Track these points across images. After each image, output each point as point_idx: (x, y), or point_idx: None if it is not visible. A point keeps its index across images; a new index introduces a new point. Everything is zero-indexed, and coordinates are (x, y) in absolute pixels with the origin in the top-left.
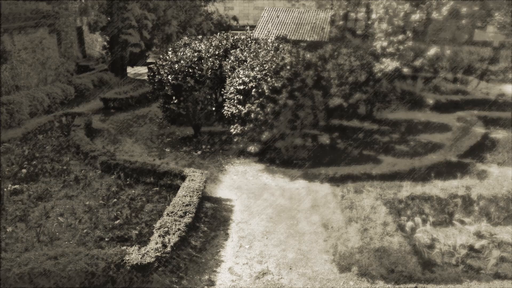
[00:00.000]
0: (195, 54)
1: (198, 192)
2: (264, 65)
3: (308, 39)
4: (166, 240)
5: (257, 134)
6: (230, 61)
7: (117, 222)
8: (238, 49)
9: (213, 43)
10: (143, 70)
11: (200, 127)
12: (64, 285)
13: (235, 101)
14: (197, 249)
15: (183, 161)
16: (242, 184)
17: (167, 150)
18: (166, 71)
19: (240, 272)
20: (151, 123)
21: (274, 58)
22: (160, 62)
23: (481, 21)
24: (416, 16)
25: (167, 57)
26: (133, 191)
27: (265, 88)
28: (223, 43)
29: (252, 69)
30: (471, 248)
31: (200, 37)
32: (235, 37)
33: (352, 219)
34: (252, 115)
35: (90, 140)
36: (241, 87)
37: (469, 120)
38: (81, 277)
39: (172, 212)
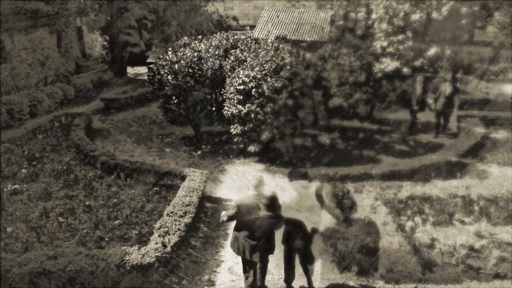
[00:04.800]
0: (195, 54)
1: (198, 192)
2: (264, 65)
3: (308, 39)
4: (166, 240)
5: (257, 134)
6: (230, 61)
7: (117, 222)
8: (238, 49)
9: (213, 43)
10: (143, 70)
11: (200, 127)
12: (64, 285)
13: (235, 101)
14: (197, 249)
15: (183, 161)
16: (242, 184)
17: (167, 150)
18: (166, 71)
19: (240, 272)
20: (151, 123)
21: (274, 58)
22: (160, 62)
23: (481, 21)
24: (416, 16)
25: (167, 57)
26: (133, 191)
27: (265, 88)
28: (223, 43)
29: (252, 69)
30: (471, 248)
31: (200, 37)
32: (235, 37)
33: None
34: (252, 115)
35: (90, 140)
36: (241, 87)
37: (469, 120)
38: (81, 277)
39: (172, 212)
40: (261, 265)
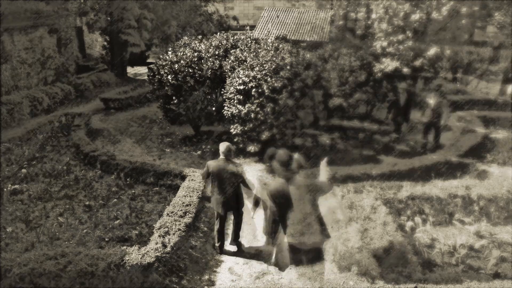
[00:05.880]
0: (195, 54)
1: (198, 192)
2: (264, 65)
3: (308, 39)
4: (166, 240)
5: (257, 134)
6: (230, 61)
7: (117, 222)
8: (238, 49)
9: (213, 43)
10: (143, 70)
11: (200, 127)
12: (64, 285)
13: (235, 101)
14: (197, 249)
15: (183, 161)
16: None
17: (167, 150)
18: (166, 71)
19: (240, 272)
20: (151, 123)
21: (274, 58)
22: (160, 62)
23: (481, 21)
24: (416, 16)
25: (167, 57)
26: (133, 191)
27: (265, 88)
28: (223, 43)
29: (252, 69)
30: (471, 248)
31: (200, 37)
32: (235, 37)
33: (352, 219)
34: (252, 115)
35: (90, 140)
36: (241, 87)
37: (469, 120)
38: (81, 277)
39: (172, 212)
40: (235, 221)
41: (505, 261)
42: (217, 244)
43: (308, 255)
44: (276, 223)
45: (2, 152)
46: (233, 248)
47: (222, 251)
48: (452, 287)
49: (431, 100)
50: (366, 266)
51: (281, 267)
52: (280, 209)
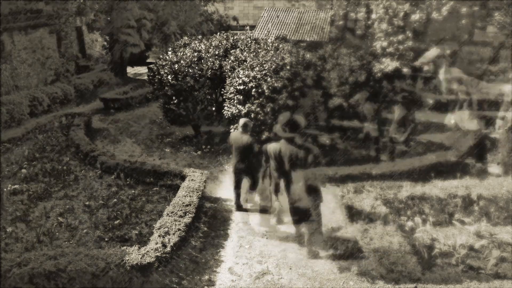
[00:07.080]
0: (195, 54)
1: (198, 192)
2: (264, 65)
3: (308, 39)
4: (166, 240)
5: (257, 134)
6: (230, 61)
7: (117, 222)
8: (238, 49)
9: (213, 43)
10: (143, 70)
11: (200, 127)
12: (64, 285)
13: (235, 101)
14: (197, 249)
15: (183, 161)
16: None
17: (167, 150)
18: (166, 71)
19: (240, 272)
20: (151, 123)
21: (274, 58)
22: (160, 62)
23: (481, 21)
24: (416, 16)
25: (167, 57)
26: (133, 191)
27: (265, 88)
28: (223, 43)
29: (252, 69)
30: (471, 248)
31: (200, 37)
32: (235, 37)
33: (352, 219)
34: (252, 115)
35: (90, 140)
36: (241, 87)
37: (468, 120)
38: (81, 277)
39: (172, 212)
40: (251, 181)
41: (505, 261)
42: (234, 203)
43: (300, 215)
44: (276, 179)
45: (2, 152)
46: (249, 204)
47: (237, 208)
48: (452, 287)
49: (396, 113)
50: (366, 266)
51: (281, 221)
52: (277, 165)
